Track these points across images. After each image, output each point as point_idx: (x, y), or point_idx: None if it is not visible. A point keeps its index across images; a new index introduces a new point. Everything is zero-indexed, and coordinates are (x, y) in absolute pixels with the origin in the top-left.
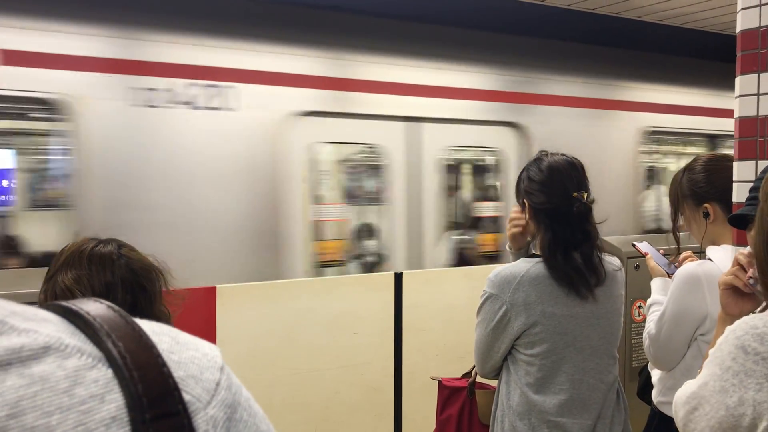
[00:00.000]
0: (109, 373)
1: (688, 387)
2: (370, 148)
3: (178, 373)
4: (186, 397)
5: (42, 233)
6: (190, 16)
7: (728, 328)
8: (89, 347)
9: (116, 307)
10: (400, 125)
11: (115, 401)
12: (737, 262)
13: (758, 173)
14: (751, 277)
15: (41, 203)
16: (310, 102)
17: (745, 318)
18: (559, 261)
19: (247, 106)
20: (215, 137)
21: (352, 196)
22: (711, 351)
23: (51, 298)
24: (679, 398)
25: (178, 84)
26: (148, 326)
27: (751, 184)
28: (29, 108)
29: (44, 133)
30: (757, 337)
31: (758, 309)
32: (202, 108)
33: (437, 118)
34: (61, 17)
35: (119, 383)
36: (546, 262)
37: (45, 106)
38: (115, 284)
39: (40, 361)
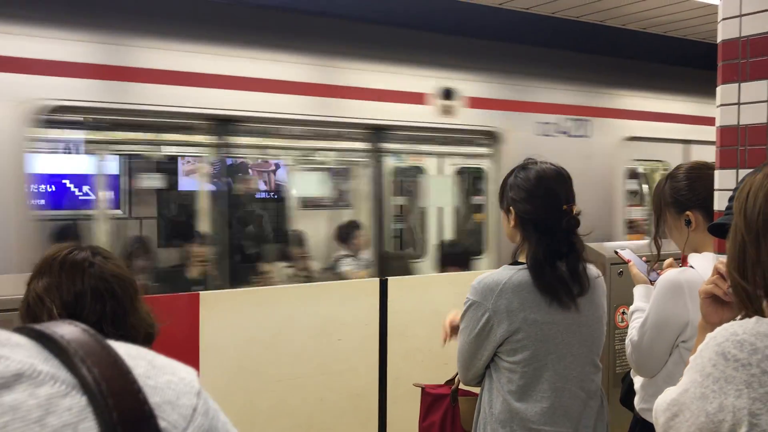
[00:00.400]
0: (84, 400)
1: (668, 394)
2: None
3: (154, 399)
4: (162, 423)
5: None
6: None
7: (708, 336)
8: (63, 373)
9: (91, 330)
10: None
11: (88, 430)
12: (717, 271)
13: (738, 182)
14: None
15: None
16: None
17: (725, 325)
18: (546, 272)
19: (596, 133)
20: (579, 158)
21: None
22: (691, 358)
23: (24, 307)
24: (660, 405)
25: (561, 119)
26: (124, 349)
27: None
28: (480, 138)
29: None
30: (737, 343)
31: (738, 317)
32: (574, 136)
33: None
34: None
35: (94, 411)
36: (532, 272)
37: (488, 137)
38: (83, 293)
39: (12, 390)
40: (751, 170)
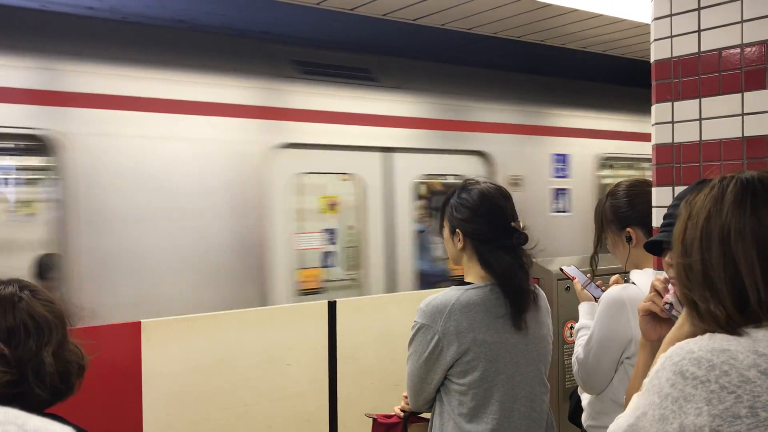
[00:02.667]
0: None
1: (624, 419)
2: None
3: None
4: None
5: None
6: None
7: (663, 356)
8: None
9: None
10: None
11: None
12: (654, 288)
13: (673, 199)
14: (666, 302)
15: None
16: None
17: (680, 344)
18: (507, 287)
19: None
20: None
21: None
22: (646, 381)
23: None
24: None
25: None
26: None
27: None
28: None
29: None
30: (695, 361)
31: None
32: None
33: None
34: None
35: None
36: (502, 284)
37: None
38: (17, 328)
39: None
40: (687, 187)
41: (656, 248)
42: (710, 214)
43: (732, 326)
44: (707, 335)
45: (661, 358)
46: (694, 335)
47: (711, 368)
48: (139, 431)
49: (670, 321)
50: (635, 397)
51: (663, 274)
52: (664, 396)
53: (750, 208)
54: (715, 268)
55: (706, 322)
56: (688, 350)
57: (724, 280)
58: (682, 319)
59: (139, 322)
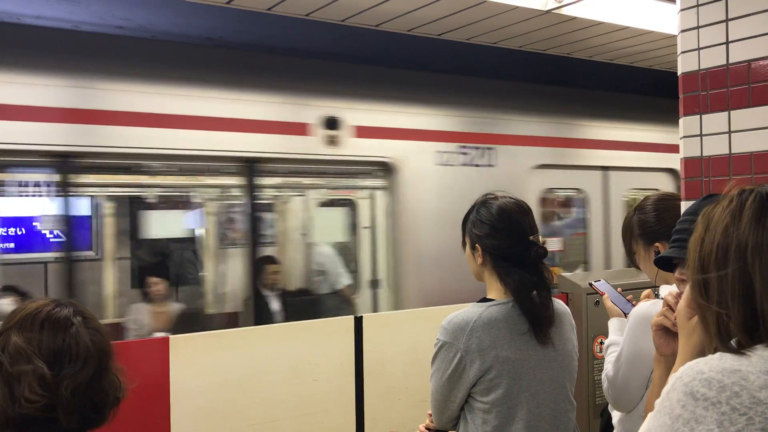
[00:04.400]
0: None
1: None
2: None
3: None
4: None
5: None
6: None
7: (673, 376)
8: None
9: None
10: None
11: None
12: (666, 303)
13: (684, 213)
14: None
15: None
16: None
17: (689, 364)
18: (524, 303)
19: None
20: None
21: None
22: (657, 402)
23: (3, 354)
24: None
25: None
26: None
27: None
28: None
29: None
30: (705, 382)
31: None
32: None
33: None
34: None
35: None
36: (519, 300)
37: None
38: (64, 352)
39: None
40: (695, 202)
41: (667, 264)
42: (728, 228)
43: (742, 345)
44: (717, 355)
45: (672, 378)
46: (702, 348)
47: (722, 389)
48: None
49: None
50: (649, 418)
51: (676, 289)
52: (675, 417)
53: None
54: (730, 283)
55: (717, 338)
56: (698, 371)
57: (738, 296)
58: (689, 330)
59: (168, 338)
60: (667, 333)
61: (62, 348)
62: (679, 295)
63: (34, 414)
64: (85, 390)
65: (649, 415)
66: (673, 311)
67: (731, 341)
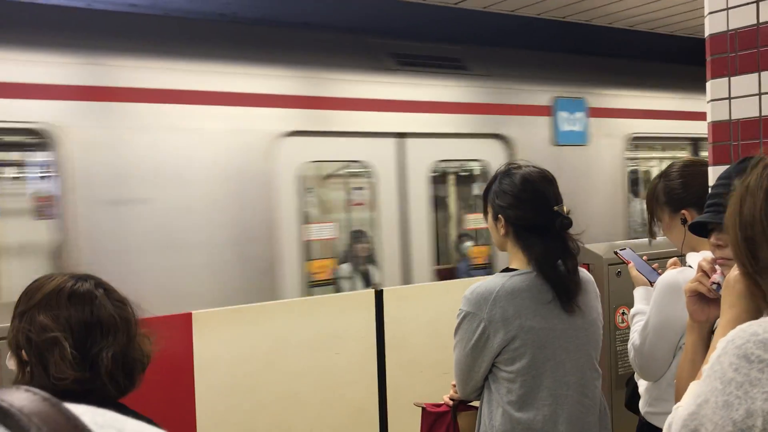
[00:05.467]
0: None
1: (683, 409)
2: None
3: None
4: None
5: None
6: None
7: (723, 340)
8: None
9: (53, 399)
10: None
11: None
12: (701, 269)
13: (718, 178)
14: (714, 282)
15: None
16: None
17: (741, 326)
18: (547, 273)
19: None
20: None
21: None
22: (705, 367)
23: (25, 336)
24: (675, 423)
25: None
26: (90, 417)
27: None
28: None
29: None
30: (760, 343)
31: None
32: None
33: None
34: None
35: None
36: (542, 271)
37: None
38: (94, 324)
39: None
40: (730, 166)
41: (702, 229)
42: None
43: None
44: None
45: (722, 342)
46: (746, 316)
47: None
48: (193, 420)
49: (717, 301)
50: (694, 385)
51: (711, 255)
52: (728, 381)
53: None
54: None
55: None
56: (752, 332)
57: None
58: (733, 299)
59: (191, 313)
60: (701, 299)
61: (91, 321)
62: (714, 261)
63: (69, 388)
64: (118, 359)
65: (694, 382)
66: (708, 277)
67: None
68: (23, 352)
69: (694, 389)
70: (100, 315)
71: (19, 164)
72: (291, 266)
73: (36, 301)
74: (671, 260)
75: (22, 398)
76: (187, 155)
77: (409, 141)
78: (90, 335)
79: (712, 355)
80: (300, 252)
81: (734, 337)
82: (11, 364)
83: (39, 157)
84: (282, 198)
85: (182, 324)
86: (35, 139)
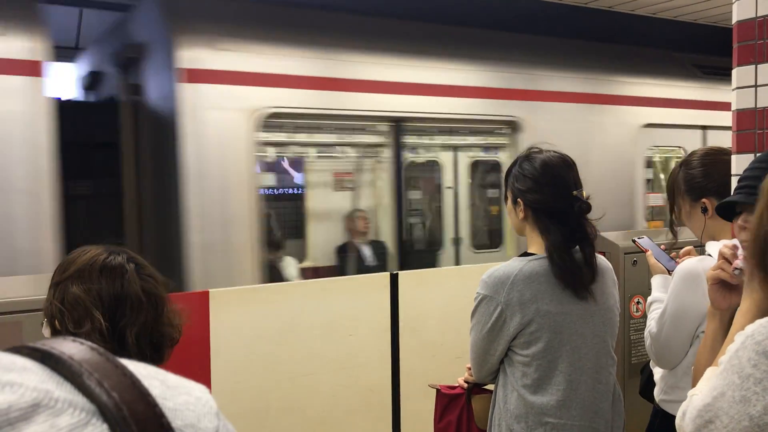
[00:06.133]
0: (105, 428)
1: (699, 399)
2: None
3: (176, 423)
4: None
5: None
6: None
7: (742, 334)
8: (80, 399)
9: (100, 349)
10: None
11: None
12: (722, 256)
13: (751, 163)
14: (736, 268)
15: None
16: None
17: (761, 321)
18: (565, 258)
19: None
20: None
21: None
22: (723, 359)
23: (57, 307)
24: (689, 412)
25: None
26: (134, 368)
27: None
28: None
29: None
30: None
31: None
32: None
33: None
34: None
35: None
36: (551, 259)
37: None
38: (124, 297)
39: (30, 422)
40: (767, 151)
41: (728, 212)
42: None
43: None
44: None
45: (740, 336)
46: (766, 303)
47: None
48: None
49: (739, 289)
50: (711, 376)
51: (731, 242)
52: (746, 377)
53: None
54: None
55: None
56: None
57: None
58: (752, 287)
59: (207, 292)
60: (723, 286)
61: (121, 294)
62: (735, 247)
63: None
64: (146, 333)
65: (711, 373)
66: (730, 264)
67: None
68: (56, 322)
69: (711, 381)
70: (130, 289)
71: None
72: (641, 225)
73: (70, 273)
74: (685, 249)
75: (71, 347)
76: (597, 142)
77: (709, 132)
78: (119, 308)
79: (730, 347)
80: (644, 214)
81: (754, 332)
82: (46, 333)
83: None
84: (637, 173)
85: (200, 301)
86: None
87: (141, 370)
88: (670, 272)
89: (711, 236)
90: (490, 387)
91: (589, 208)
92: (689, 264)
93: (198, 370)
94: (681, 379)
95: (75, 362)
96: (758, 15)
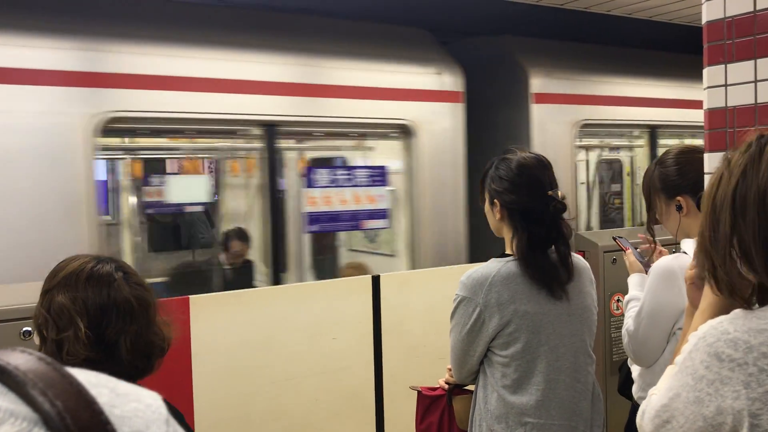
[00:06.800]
0: None
1: (657, 399)
2: None
3: (123, 429)
4: None
5: None
6: None
7: (695, 335)
8: (23, 409)
9: (47, 358)
10: None
11: None
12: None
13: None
14: None
15: None
16: None
17: (712, 323)
18: (537, 260)
19: None
20: None
21: None
22: (678, 359)
23: (44, 315)
24: (647, 412)
25: None
26: (83, 377)
27: None
28: None
29: None
30: (731, 342)
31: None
32: None
33: None
34: None
35: None
36: (523, 261)
37: None
38: (109, 307)
39: None
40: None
41: None
42: (746, 172)
43: (758, 299)
44: (741, 312)
45: (693, 338)
46: (723, 304)
47: (749, 350)
48: (190, 405)
49: None
50: (669, 376)
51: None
52: (699, 378)
53: None
54: (748, 231)
55: (722, 290)
56: (722, 330)
57: (758, 245)
58: (708, 288)
59: (188, 298)
60: (702, 286)
61: (107, 303)
62: None
63: (79, 366)
64: (136, 342)
65: (669, 372)
66: None
67: (738, 292)
68: (44, 330)
69: (667, 381)
70: (117, 298)
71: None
72: None
73: (57, 281)
74: (643, 247)
75: (18, 357)
76: None
77: None
78: (105, 317)
79: (684, 348)
80: None
81: (705, 334)
82: (36, 340)
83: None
84: None
85: (180, 308)
86: None
87: (91, 379)
88: (646, 271)
89: (686, 234)
90: (471, 388)
91: (564, 207)
92: (665, 261)
93: (179, 376)
94: (658, 376)
95: (20, 372)
96: (727, 15)
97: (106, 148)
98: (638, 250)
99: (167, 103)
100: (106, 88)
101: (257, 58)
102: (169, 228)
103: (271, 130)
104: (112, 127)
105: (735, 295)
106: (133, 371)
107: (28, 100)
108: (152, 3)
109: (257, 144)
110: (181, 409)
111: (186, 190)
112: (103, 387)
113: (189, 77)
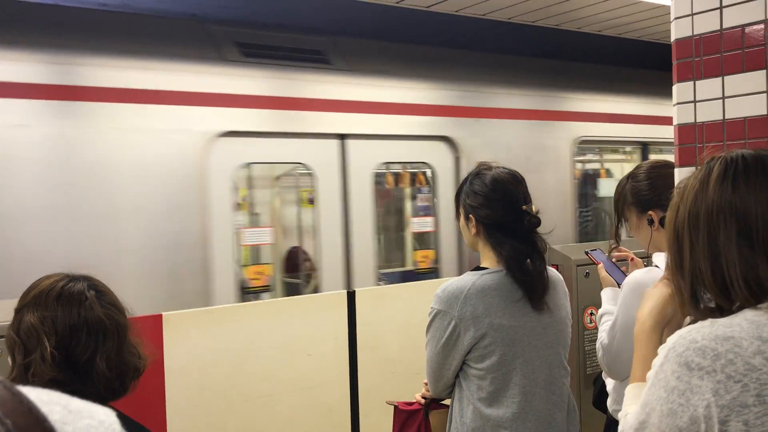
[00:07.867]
0: None
1: (633, 417)
2: None
3: None
4: None
5: None
6: None
7: (665, 347)
8: None
9: None
10: None
11: None
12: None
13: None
14: None
15: None
16: None
17: (680, 333)
18: (516, 273)
19: None
20: None
21: None
22: (650, 374)
23: (13, 338)
24: (625, 429)
25: None
26: (35, 395)
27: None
28: None
29: None
30: (699, 351)
31: (687, 321)
32: None
33: None
34: None
35: None
36: (511, 271)
37: None
38: (79, 327)
39: None
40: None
41: None
42: (697, 194)
43: (723, 309)
44: (708, 322)
45: (663, 350)
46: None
47: (716, 357)
48: (163, 423)
49: None
50: (643, 393)
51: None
52: (671, 390)
53: (731, 186)
54: (701, 247)
55: (689, 309)
56: (691, 340)
57: (708, 259)
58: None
59: (161, 315)
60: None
61: (78, 323)
62: None
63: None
64: (108, 362)
65: (638, 391)
66: None
67: (711, 307)
68: (14, 352)
69: (643, 397)
70: (88, 317)
71: None
72: None
73: (28, 300)
74: (630, 258)
75: None
76: None
77: None
78: (75, 337)
79: (655, 362)
80: None
81: (674, 345)
82: (9, 360)
83: None
84: None
85: (152, 325)
86: None
87: (42, 397)
88: (620, 285)
89: (657, 247)
90: (448, 402)
91: (538, 222)
92: (637, 275)
93: (152, 394)
94: None
95: None
96: (695, 33)
97: None
98: (614, 260)
99: None
100: None
101: None
102: None
103: None
104: None
105: (703, 316)
106: (107, 393)
107: None
108: None
109: None
110: (153, 427)
111: None
112: (55, 404)
113: None
